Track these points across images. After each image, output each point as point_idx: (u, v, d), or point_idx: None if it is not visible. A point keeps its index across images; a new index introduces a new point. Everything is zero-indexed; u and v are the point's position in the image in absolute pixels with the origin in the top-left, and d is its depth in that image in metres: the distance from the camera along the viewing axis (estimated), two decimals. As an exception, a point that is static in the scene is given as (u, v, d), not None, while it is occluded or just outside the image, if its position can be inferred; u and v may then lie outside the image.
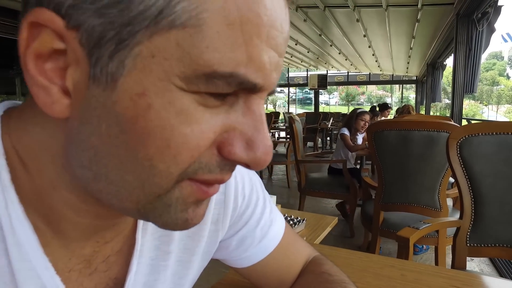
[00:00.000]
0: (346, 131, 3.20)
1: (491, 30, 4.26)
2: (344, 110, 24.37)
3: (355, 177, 2.76)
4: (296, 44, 8.17)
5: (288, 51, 9.37)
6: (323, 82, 11.96)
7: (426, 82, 8.67)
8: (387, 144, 1.82)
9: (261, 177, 5.10)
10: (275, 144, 6.03)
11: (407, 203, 1.82)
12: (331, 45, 8.07)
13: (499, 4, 3.64)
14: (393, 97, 31.20)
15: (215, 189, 0.28)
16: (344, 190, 2.74)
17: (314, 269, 0.52)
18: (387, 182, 1.86)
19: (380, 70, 13.02)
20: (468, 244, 1.28)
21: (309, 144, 7.79)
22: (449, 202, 2.32)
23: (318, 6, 4.80)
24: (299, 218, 1.19)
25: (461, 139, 1.32)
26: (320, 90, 13.33)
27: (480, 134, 1.30)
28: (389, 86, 32.00)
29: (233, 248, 0.47)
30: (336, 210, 3.34)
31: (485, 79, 43.25)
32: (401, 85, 17.40)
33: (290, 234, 0.53)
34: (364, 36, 6.66)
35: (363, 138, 3.36)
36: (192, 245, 0.41)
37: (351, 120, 3.29)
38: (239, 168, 0.49)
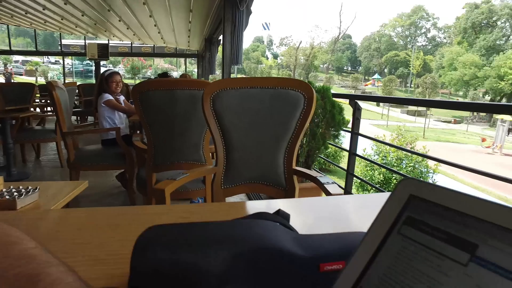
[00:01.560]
0: (109, 96, 2.94)
1: (249, 11, 5.01)
2: (131, 82, 23.40)
3: (131, 145, 2.65)
4: (65, 4, 7.02)
5: (57, 12, 7.97)
6: (104, 52, 10.92)
7: (205, 56, 9.36)
8: (153, 104, 1.79)
9: (23, 160, 4.25)
10: (42, 119, 5.07)
11: (176, 161, 1.87)
12: (109, 10, 7.40)
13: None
14: (179, 70, 32.39)
15: None
16: (121, 160, 2.59)
17: None
18: (156, 143, 1.86)
19: (164, 43, 13.09)
20: (222, 187, 1.43)
21: (90, 118, 7.04)
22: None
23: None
24: (29, 188, 0.98)
25: (213, 94, 1.43)
26: (102, 62, 12.16)
27: (228, 88, 1.44)
28: (175, 59, 32.92)
29: None
30: (118, 182, 3.17)
31: (253, 58, 53.97)
32: (185, 59, 18.19)
33: None
34: (144, 4, 6.43)
35: (123, 101, 3.20)
36: None
37: (102, 84, 3.01)
38: None
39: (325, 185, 1.20)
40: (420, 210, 0.34)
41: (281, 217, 0.53)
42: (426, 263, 0.31)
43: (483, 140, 24.40)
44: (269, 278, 0.37)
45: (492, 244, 0.28)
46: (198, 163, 1.87)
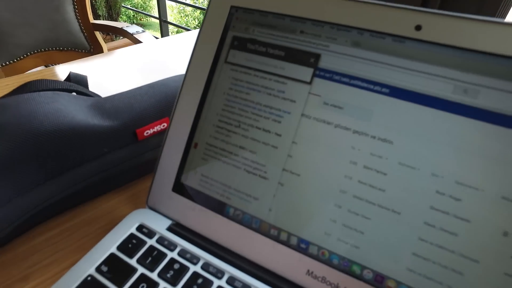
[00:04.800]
0: None
1: None
2: None
3: None
4: None
5: None
6: None
7: None
8: None
9: None
10: None
11: None
12: None
13: None
14: None
15: None
16: None
17: None
18: None
19: None
20: (1, 65, 1.06)
21: None
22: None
23: None
24: None
25: None
26: None
27: None
28: None
29: None
30: None
31: None
32: None
33: None
34: None
35: None
36: None
37: None
38: None
39: (135, 35, 1.01)
40: (248, 25, 0.26)
41: (73, 81, 0.37)
42: (266, 92, 0.24)
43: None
44: (66, 169, 0.25)
45: (335, 49, 0.22)
46: None
